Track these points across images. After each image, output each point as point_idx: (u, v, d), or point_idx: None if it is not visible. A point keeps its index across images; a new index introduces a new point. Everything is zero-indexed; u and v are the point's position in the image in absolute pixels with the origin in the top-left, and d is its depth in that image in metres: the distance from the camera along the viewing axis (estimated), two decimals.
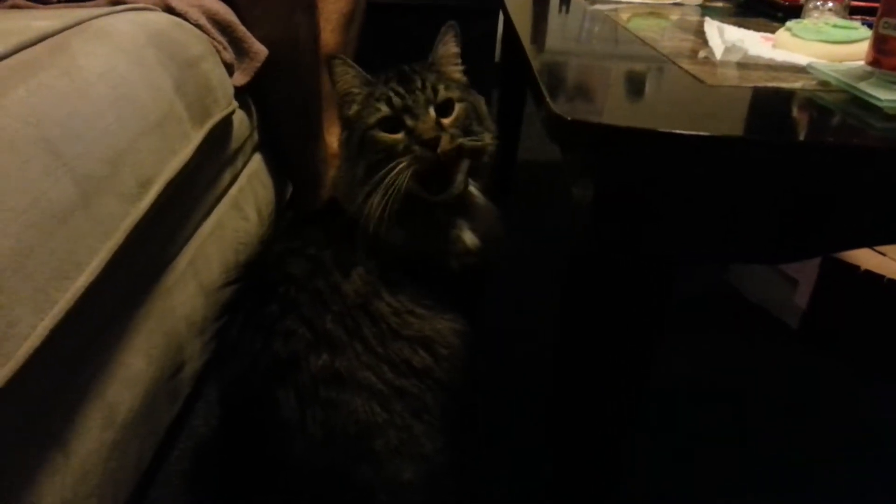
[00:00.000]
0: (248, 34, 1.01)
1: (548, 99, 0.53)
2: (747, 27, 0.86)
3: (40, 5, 0.87)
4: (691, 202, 0.51)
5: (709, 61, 0.71)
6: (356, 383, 0.64)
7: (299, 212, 1.22)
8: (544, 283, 1.26)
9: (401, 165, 0.67)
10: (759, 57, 0.72)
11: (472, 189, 0.77)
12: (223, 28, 0.99)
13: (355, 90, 0.74)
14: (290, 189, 1.31)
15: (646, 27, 0.95)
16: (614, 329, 0.57)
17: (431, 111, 0.70)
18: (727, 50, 0.72)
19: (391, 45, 1.18)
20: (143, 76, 0.75)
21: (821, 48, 0.71)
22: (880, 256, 1.06)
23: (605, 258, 0.55)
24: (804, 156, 0.49)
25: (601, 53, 0.88)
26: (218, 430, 0.84)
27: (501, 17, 1.67)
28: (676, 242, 0.53)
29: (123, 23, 0.78)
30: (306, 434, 0.63)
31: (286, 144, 1.21)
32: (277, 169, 1.23)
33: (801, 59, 0.69)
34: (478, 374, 0.76)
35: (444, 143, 0.68)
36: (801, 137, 0.53)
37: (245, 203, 1.08)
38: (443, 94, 0.71)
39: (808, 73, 0.65)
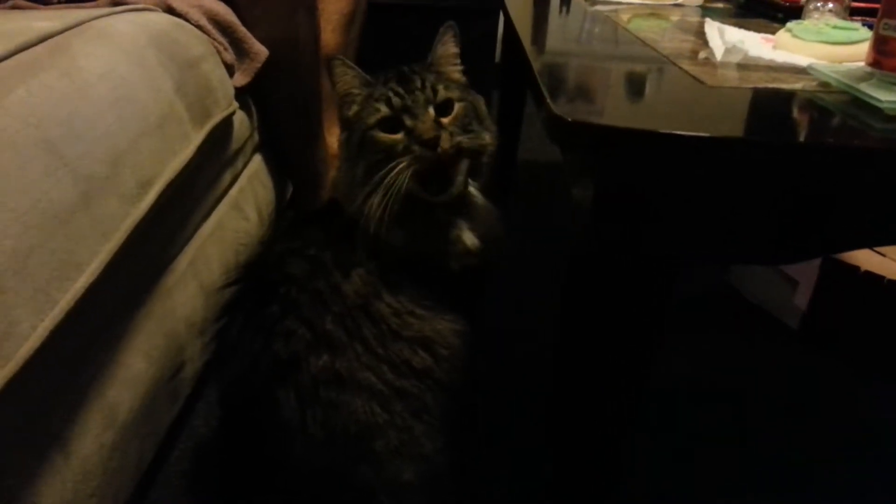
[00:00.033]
0: (249, 35, 1.01)
1: (548, 100, 0.53)
2: (748, 28, 0.86)
3: (41, 6, 0.87)
4: (691, 203, 0.51)
5: (709, 62, 0.71)
6: (356, 384, 0.64)
7: (299, 212, 1.22)
8: (544, 283, 1.26)
9: (401, 166, 0.67)
10: (759, 58, 0.72)
11: (472, 189, 0.77)
12: (224, 29, 0.99)
13: (355, 91, 0.74)
14: (290, 189, 1.31)
15: (646, 28, 0.95)
16: (614, 329, 0.57)
17: (431, 111, 0.70)
18: (727, 51, 0.72)
19: (391, 45, 1.18)
20: (144, 77, 0.75)
21: (821, 49, 0.71)
22: (880, 257, 1.07)
23: (605, 259, 0.55)
24: (804, 157, 0.49)
25: (602, 54, 0.88)
26: (218, 430, 0.84)
27: (502, 17, 1.67)
28: (677, 243, 0.53)
29: (124, 23, 0.78)
30: (306, 434, 0.63)
31: (286, 145, 1.21)
32: (278, 169, 1.23)
33: (802, 60, 0.69)
34: (478, 374, 0.76)
35: (444, 143, 0.68)
36: (802, 138, 0.53)
37: (245, 203, 1.08)
38: (442, 93, 0.71)
39: (808, 74, 0.65)
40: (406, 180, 0.66)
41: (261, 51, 1.02)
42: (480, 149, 0.74)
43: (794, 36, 0.74)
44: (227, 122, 0.94)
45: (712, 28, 0.82)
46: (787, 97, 0.61)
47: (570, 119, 0.48)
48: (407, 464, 0.66)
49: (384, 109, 0.70)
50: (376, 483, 0.65)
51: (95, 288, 0.58)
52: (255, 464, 0.66)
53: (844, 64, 0.66)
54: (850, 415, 1.01)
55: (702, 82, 0.62)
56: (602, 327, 0.58)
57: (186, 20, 0.92)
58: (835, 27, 0.73)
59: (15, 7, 0.86)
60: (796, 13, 0.89)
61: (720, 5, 1.17)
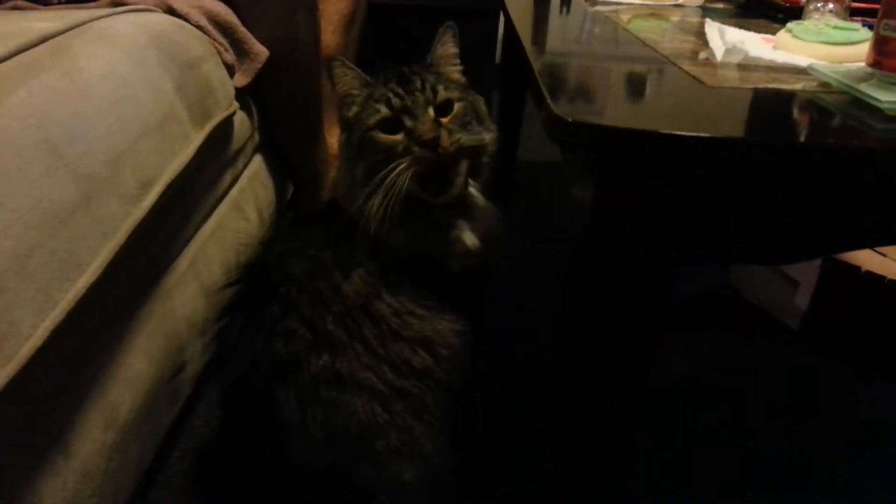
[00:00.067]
0: (249, 35, 1.01)
1: (549, 100, 0.53)
2: (748, 28, 0.86)
3: (41, 6, 0.88)
4: (692, 203, 0.51)
5: (709, 63, 0.71)
6: (357, 384, 0.64)
7: (300, 212, 1.22)
8: (544, 283, 1.26)
9: (401, 167, 0.67)
10: (759, 58, 0.72)
11: (473, 190, 0.77)
12: (224, 29, 0.99)
13: (355, 92, 0.74)
14: (290, 190, 1.31)
15: (646, 28, 0.95)
16: (614, 329, 0.57)
17: (430, 111, 0.70)
18: (728, 51, 0.72)
19: (391, 45, 1.18)
20: (144, 77, 0.75)
21: (821, 49, 0.71)
22: (881, 257, 1.07)
23: (606, 259, 0.55)
24: (805, 157, 0.49)
25: (602, 55, 0.88)
26: (219, 430, 0.84)
27: (502, 17, 1.67)
28: (677, 243, 0.53)
29: (124, 24, 0.78)
30: (307, 434, 0.63)
31: (287, 145, 1.21)
32: (278, 170, 1.23)
33: (802, 61, 0.69)
34: (478, 374, 0.76)
35: (444, 143, 0.68)
36: (802, 139, 0.53)
37: (246, 204, 1.08)
38: (442, 94, 0.71)
39: (808, 74, 0.65)
40: (406, 181, 0.66)
41: (261, 51, 1.03)
42: (480, 148, 0.74)
43: (795, 36, 0.74)
44: (227, 123, 0.94)
45: (712, 28, 0.82)
46: (787, 97, 0.61)
47: (570, 119, 0.48)
48: (407, 464, 0.66)
49: (384, 110, 0.70)
50: (377, 483, 0.65)
51: (96, 288, 0.58)
52: (255, 464, 0.66)
53: (845, 64, 0.66)
54: (850, 415, 1.01)
55: (702, 83, 0.62)
56: (602, 327, 0.58)
57: (187, 21, 0.92)
58: (835, 28, 0.73)
59: (15, 8, 0.86)
60: (796, 13, 0.89)
61: (720, 6, 1.17)
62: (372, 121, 0.70)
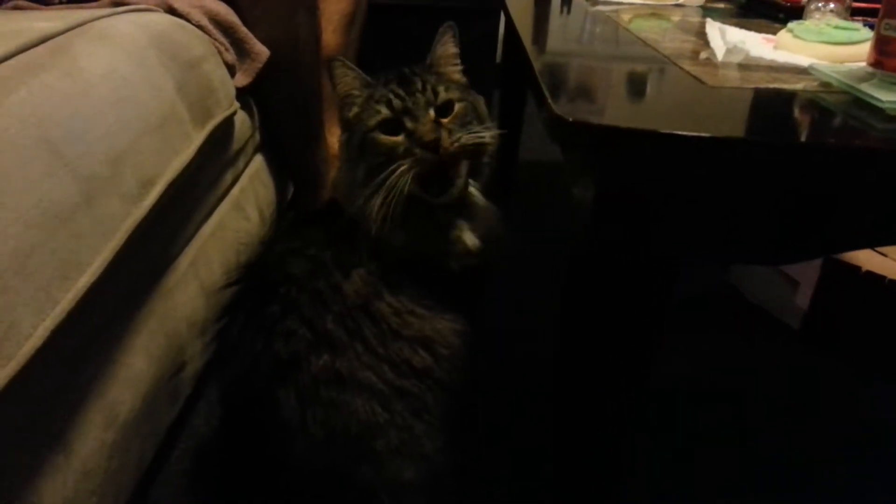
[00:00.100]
0: (250, 35, 1.01)
1: (549, 100, 0.53)
2: (749, 28, 0.86)
3: (42, 6, 0.88)
4: (692, 203, 0.51)
5: (710, 62, 0.71)
6: (357, 383, 0.64)
7: (300, 212, 1.22)
8: (544, 283, 1.26)
9: (401, 168, 0.67)
10: (760, 58, 0.72)
11: (473, 190, 0.77)
12: (225, 29, 0.99)
13: (355, 92, 0.74)
14: (291, 189, 1.31)
15: (647, 28, 0.95)
16: (615, 329, 0.57)
17: (431, 112, 0.70)
18: (728, 51, 0.72)
19: (392, 46, 1.18)
20: (145, 77, 0.75)
21: (822, 49, 0.71)
22: (881, 257, 1.07)
23: (606, 259, 0.55)
24: (806, 157, 0.49)
25: (602, 54, 0.88)
26: (219, 430, 0.84)
27: (502, 17, 1.67)
28: (677, 243, 0.53)
29: (125, 24, 0.78)
30: (307, 434, 0.63)
31: (287, 145, 1.21)
32: (279, 169, 1.23)
33: (803, 61, 0.69)
34: (478, 374, 0.76)
35: (445, 144, 0.68)
36: (803, 138, 0.53)
37: (246, 203, 1.08)
38: (443, 95, 0.71)
39: (809, 74, 0.65)
40: (407, 183, 0.67)
41: (262, 51, 1.03)
42: (481, 147, 0.74)
43: (796, 36, 0.74)
44: (228, 123, 0.94)
45: (713, 28, 0.82)
46: (788, 97, 0.61)
47: (571, 119, 0.48)
48: (407, 463, 0.66)
49: (385, 111, 0.70)
50: (377, 482, 0.65)
51: (97, 287, 0.58)
52: (255, 463, 0.66)
53: (845, 64, 0.66)
54: (850, 415, 1.01)
55: (703, 82, 0.62)
56: (602, 327, 0.58)
57: (188, 21, 0.92)
58: (836, 27, 0.73)
59: (16, 7, 0.86)
60: (797, 13, 0.89)
61: (721, 6, 1.17)
62: (373, 122, 0.70)
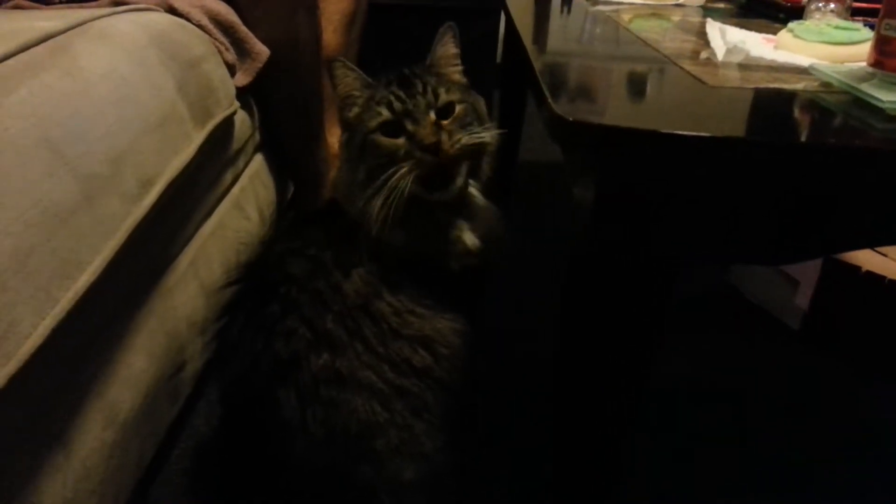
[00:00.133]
0: (250, 35, 1.01)
1: (550, 99, 0.53)
2: (749, 28, 0.86)
3: (43, 6, 0.87)
4: (692, 203, 0.51)
5: (710, 62, 0.71)
6: (357, 383, 0.64)
7: (300, 212, 1.22)
8: (544, 283, 1.26)
9: (402, 171, 0.67)
10: (760, 58, 0.72)
11: (473, 190, 0.77)
12: (225, 29, 0.99)
13: (356, 93, 0.74)
14: (291, 189, 1.31)
15: (647, 28, 0.95)
16: (615, 329, 0.57)
17: (432, 115, 0.70)
18: (729, 51, 0.72)
19: (392, 45, 1.18)
20: (145, 76, 0.75)
21: (822, 49, 0.71)
22: (881, 257, 1.07)
23: (606, 258, 0.55)
24: (806, 157, 0.49)
25: (603, 54, 0.88)
26: (219, 429, 0.84)
27: (503, 17, 1.67)
28: (677, 243, 0.53)
29: (125, 23, 0.78)
30: (307, 433, 0.63)
31: (287, 145, 1.21)
32: (279, 169, 1.23)
33: (803, 61, 0.69)
34: (478, 373, 0.76)
35: (445, 147, 0.68)
36: (803, 138, 0.53)
37: (246, 203, 1.08)
38: (443, 97, 0.71)
39: (809, 74, 0.65)
40: (408, 185, 0.67)
41: (262, 51, 1.03)
42: (481, 147, 0.74)
43: (796, 36, 0.74)
44: (228, 122, 0.94)
45: (714, 28, 0.82)
46: (788, 97, 0.61)
47: (571, 119, 0.48)
48: (407, 462, 0.66)
49: (385, 113, 0.70)
50: (377, 482, 0.65)
51: (96, 287, 0.58)
52: (255, 463, 0.66)
53: (846, 64, 0.66)
54: (850, 415, 1.01)
55: (703, 82, 0.62)
56: (602, 327, 0.58)
57: (188, 20, 0.92)
58: (836, 27, 0.73)
59: (17, 7, 0.86)
60: (798, 13, 0.89)
61: (721, 5, 1.17)
62: (373, 123, 0.70)
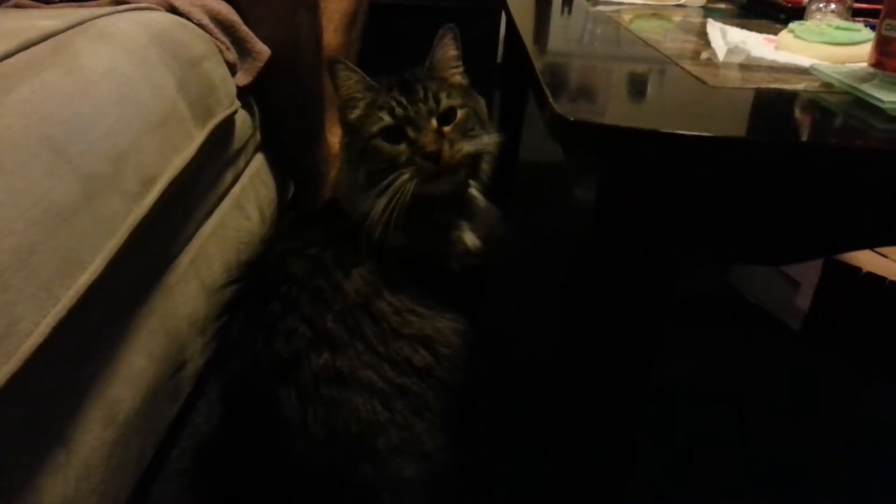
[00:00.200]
0: (251, 34, 1.01)
1: (550, 99, 0.53)
2: (750, 29, 0.86)
3: (43, 5, 0.87)
4: (693, 203, 0.51)
5: (711, 62, 0.71)
6: (357, 382, 0.64)
7: (301, 212, 1.22)
8: (545, 283, 1.26)
9: (403, 178, 0.67)
10: (761, 58, 0.72)
11: (473, 190, 0.77)
12: (226, 28, 0.99)
13: (358, 95, 0.74)
14: (291, 189, 1.31)
15: (648, 28, 0.95)
16: (615, 329, 0.57)
17: (433, 122, 0.70)
18: (730, 51, 0.73)
19: (392, 45, 1.18)
20: (146, 75, 0.75)
21: (823, 50, 0.71)
22: (882, 258, 1.07)
23: (607, 259, 0.55)
24: (806, 157, 0.50)
25: (604, 54, 0.88)
26: (219, 428, 0.84)
27: (503, 17, 1.67)
28: (678, 243, 0.53)
29: (126, 22, 0.78)
30: (308, 433, 0.63)
31: (288, 144, 1.21)
32: (279, 168, 1.23)
33: (804, 61, 0.69)
34: (478, 373, 0.76)
35: (446, 156, 0.68)
36: (804, 139, 0.53)
37: (247, 202, 1.08)
38: (445, 102, 0.71)
39: (810, 74, 0.65)
40: (410, 191, 0.67)
41: (263, 50, 1.03)
42: (482, 152, 0.74)
43: (797, 37, 0.74)
44: (229, 121, 0.94)
45: (714, 29, 0.82)
46: (789, 97, 0.61)
47: (572, 119, 0.48)
48: (408, 462, 0.66)
49: (387, 119, 0.70)
50: (377, 481, 0.65)
51: (97, 285, 0.58)
52: (256, 462, 0.66)
53: (847, 65, 0.66)
54: (850, 415, 1.01)
55: (704, 82, 0.62)
56: (603, 327, 0.58)
57: (189, 19, 0.92)
58: (837, 28, 0.73)
59: (18, 6, 0.86)
60: (798, 14, 0.89)
61: (722, 6, 1.17)
62: (375, 128, 0.70)
